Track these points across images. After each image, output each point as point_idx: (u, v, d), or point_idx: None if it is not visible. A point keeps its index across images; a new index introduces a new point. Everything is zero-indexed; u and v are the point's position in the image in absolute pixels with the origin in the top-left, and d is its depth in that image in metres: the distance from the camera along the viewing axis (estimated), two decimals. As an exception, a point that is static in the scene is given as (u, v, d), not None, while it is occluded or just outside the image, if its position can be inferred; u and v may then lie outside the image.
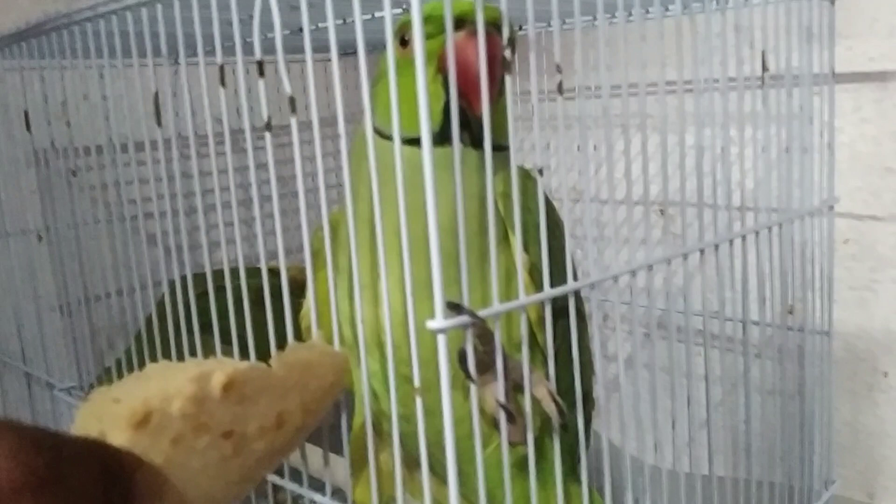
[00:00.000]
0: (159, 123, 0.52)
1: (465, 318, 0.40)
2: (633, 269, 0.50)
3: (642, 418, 0.54)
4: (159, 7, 0.50)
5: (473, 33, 0.41)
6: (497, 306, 0.42)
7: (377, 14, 0.69)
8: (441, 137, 0.42)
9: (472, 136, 0.47)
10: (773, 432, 0.69)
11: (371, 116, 0.44)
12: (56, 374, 0.80)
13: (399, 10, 0.66)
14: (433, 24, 0.42)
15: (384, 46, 0.40)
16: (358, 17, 0.39)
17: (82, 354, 0.75)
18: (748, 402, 0.64)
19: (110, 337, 0.73)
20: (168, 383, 0.34)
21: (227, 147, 0.50)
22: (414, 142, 0.40)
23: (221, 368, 0.35)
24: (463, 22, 0.43)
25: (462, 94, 0.41)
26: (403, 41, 0.48)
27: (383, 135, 0.47)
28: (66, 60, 0.65)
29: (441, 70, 0.46)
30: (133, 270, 0.62)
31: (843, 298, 0.83)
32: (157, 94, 0.51)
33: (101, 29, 0.56)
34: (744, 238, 0.59)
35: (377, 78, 0.51)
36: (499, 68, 0.45)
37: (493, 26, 0.43)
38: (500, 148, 0.44)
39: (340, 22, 0.61)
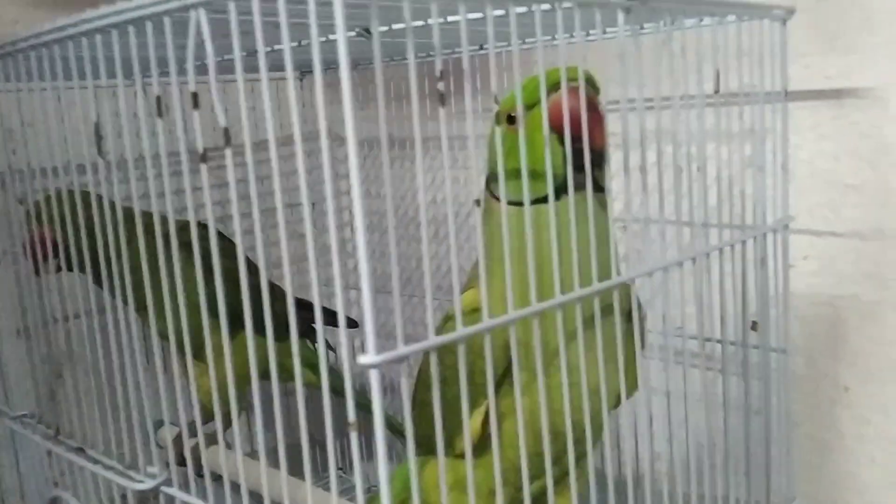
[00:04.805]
0: (100, 152, 0.52)
1: (400, 352, 0.39)
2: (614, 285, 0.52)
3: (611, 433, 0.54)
4: (98, 37, 0.49)
5: (568, 90, 0.48)
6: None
7: (331, 37, 0.69)
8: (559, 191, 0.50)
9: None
10: (735, 448, 0.69)
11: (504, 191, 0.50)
12: (14, 402, 0.79)
13: (353, 33, 0.66)
14: (529, 97, 0.49)
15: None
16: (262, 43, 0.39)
17: (34, 381, 0.74)
18: (709, 419, 0.64)
19: (58, 364, 0.72)
20: None
21: (165, 170, 0.49)
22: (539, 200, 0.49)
23: None
24: (556, 86, 0.49)
25: (579, 136, 0.48)
26: (510, 119, 0.51)
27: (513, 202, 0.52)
28: (10, 84, 0.65)
29: (555, 126, 0.48)
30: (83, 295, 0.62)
31: (804, 314, 0.83)
32: (97, 125, 0.51)
33: (43, 55, 0.56)
34: (694, 260, 0.59)
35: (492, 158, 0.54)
36: (600, 113, 0.51)
37: (576, 82, 0.49)
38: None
39: (295, 44, 0.61)
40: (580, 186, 0.50)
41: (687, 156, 0.60)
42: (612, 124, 0.53)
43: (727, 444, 0.67)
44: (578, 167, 0.49)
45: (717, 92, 0.63)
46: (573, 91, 0.49)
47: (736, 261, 0.65)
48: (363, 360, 0.38)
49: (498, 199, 0.53)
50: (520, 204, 0.49)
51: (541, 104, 0.49)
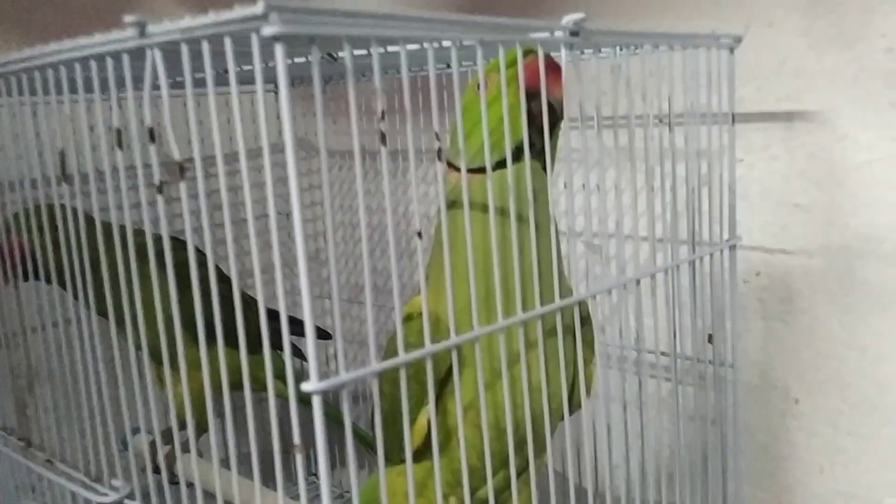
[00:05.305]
0: (64, 176, 0.54)
1: (342, 379, 0.42)
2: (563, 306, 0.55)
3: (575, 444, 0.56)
4: (78, 67, 0.51)
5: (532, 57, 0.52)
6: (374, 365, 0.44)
7: (296, 60, 0.72)
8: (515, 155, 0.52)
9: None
10: (687, 458, 0.71)
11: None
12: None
13: (303, 59, 0.68)
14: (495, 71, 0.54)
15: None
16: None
17: (6, 393, 0.76)
18: (660, 429, 0.67)
19: (30, 377, 0.74)
20: None
21: (120, 185, 0.51)
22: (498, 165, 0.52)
23: None
24: (526, 55, 0.52)
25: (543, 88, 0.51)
26: (479, 86, 0.56)
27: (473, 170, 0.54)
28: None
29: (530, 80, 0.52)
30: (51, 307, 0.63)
31: (757, 328, 0.86)
32: (62, 151, 0.53)
33: (12, 81, 0.58)
34: (638, 282, 0.61)
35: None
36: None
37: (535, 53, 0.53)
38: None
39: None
40: (537, 152, 0.55)
41: (635, 177, 0.63)
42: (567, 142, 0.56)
43: (679, 454, 0.70)
44: (540, 130, 0.53)
45: (666, 117, 0.65)
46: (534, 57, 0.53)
47: (684, 279, 0.68)
48: (306, 387, 0.40)
49: (458, 169, 0.55)
50: (481, 171, 0.52)
51: (515, 66, 0.52)
